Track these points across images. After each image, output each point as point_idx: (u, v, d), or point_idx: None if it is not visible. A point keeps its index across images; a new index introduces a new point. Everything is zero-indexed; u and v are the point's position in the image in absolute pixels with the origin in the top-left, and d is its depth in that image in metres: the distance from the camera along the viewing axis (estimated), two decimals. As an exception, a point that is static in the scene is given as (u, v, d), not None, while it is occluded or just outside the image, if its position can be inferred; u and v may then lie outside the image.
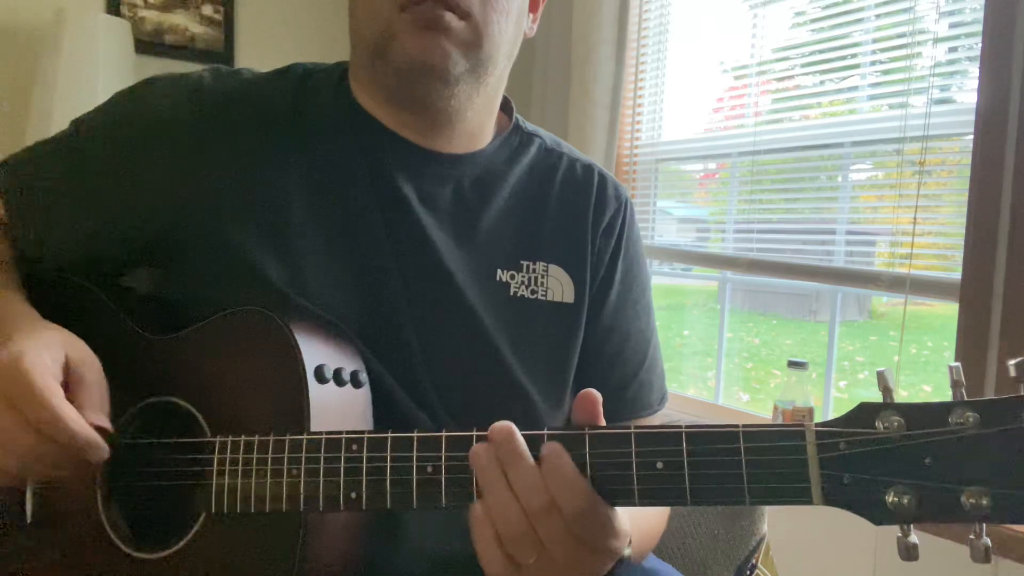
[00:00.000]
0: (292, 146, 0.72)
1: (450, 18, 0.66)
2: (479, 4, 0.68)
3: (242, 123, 0.71)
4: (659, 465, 0.52)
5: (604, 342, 0.79)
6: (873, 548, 1.52)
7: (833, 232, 1.82)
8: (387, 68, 0.69)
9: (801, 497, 0.49)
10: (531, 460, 0.52)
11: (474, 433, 0.55)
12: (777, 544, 1.25)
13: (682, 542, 1.19)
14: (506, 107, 0.83)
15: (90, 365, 0.62)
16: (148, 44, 2.25)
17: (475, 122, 0.77)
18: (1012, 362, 0.47)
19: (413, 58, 0.67)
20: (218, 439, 0.61)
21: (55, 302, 0.71)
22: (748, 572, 1.16)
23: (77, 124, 0.75)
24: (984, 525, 0.47)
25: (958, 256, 1.47)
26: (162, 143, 0.70)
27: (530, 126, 0.84)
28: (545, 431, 0.54)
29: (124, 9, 2.24)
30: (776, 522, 1.31)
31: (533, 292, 0.75)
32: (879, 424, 0.48)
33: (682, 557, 1.16)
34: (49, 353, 0.59)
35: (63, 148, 0.74)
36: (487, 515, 0.52)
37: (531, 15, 0.78)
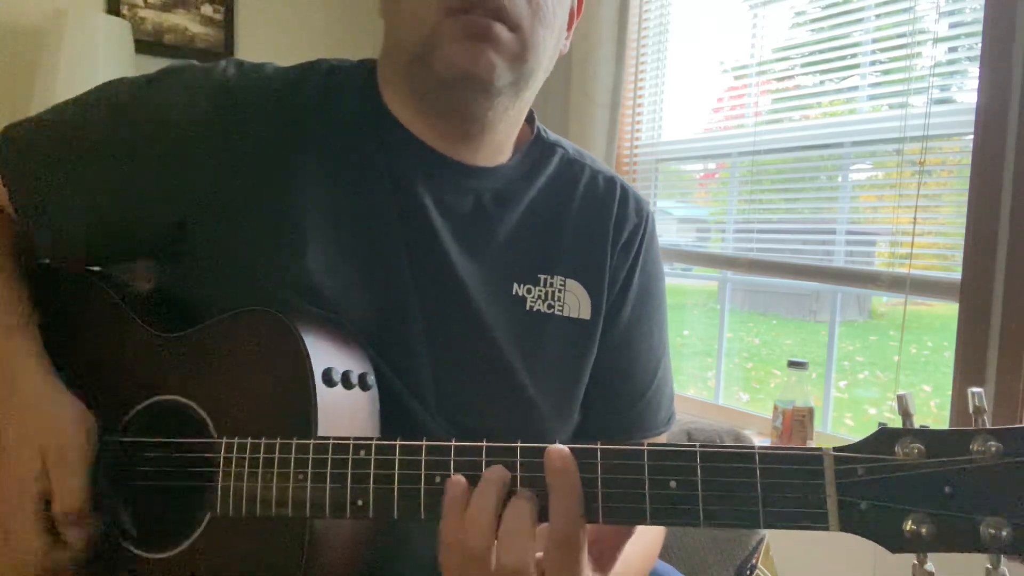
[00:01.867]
0: (313, 145, 0.70)
1: (499, 29, 0.64)
2: (528, 16, 0.66)
3: (264, 121, 0.69)
4: (672, 484, 0.51)
5: (614, 359, 0.77)
6: (873, 548, 1.52)
7: (833, 232, 1.82)
8: (428, 75, 0.67)
9: (817, 523, 0.48)
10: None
11: (484, 444, 0.54)
12: (777, 544, 1.25)
13: (682, 542, 1.20)
14: (528, 117, 0.81)
15: (64, 465, 0.61)
16: (148, 44, 2.25)
17: (503, 135, 0.75)
18: None
19: (459, 68, 0.64)
20: (224, 440, 0.61)
21: (62, 298, 0.71)
22: (748, 572, 1.16)
23: (87, 106, 0.72)
24: (1002, 557, 0.46)
25: (958, 256, 1.47)
26: (182, 138, 0.68)
27: (552, 135, 0.82)
28: (555, 445, 0.53)
29: (124, 9, 2.24)
30: (776, 522, 1.31)
31: (550, 307, 0.74)
32: (899, 450, 0.48)
33: (682, 557, 1.16)
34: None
35: (75, 132, 0.71)
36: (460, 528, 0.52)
37: (566, 32, 0.77)
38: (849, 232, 1.80)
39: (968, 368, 1.40)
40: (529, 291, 0.74)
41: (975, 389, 0.48)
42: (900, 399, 0.49)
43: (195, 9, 2.35)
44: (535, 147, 0.79)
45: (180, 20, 2.33)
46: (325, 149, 0.71)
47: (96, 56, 1.92)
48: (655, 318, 0.81)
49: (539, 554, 0.53)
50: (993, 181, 1.39)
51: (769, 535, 1.21)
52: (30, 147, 0.72)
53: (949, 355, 1.47)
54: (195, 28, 2.35)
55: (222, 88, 0.70)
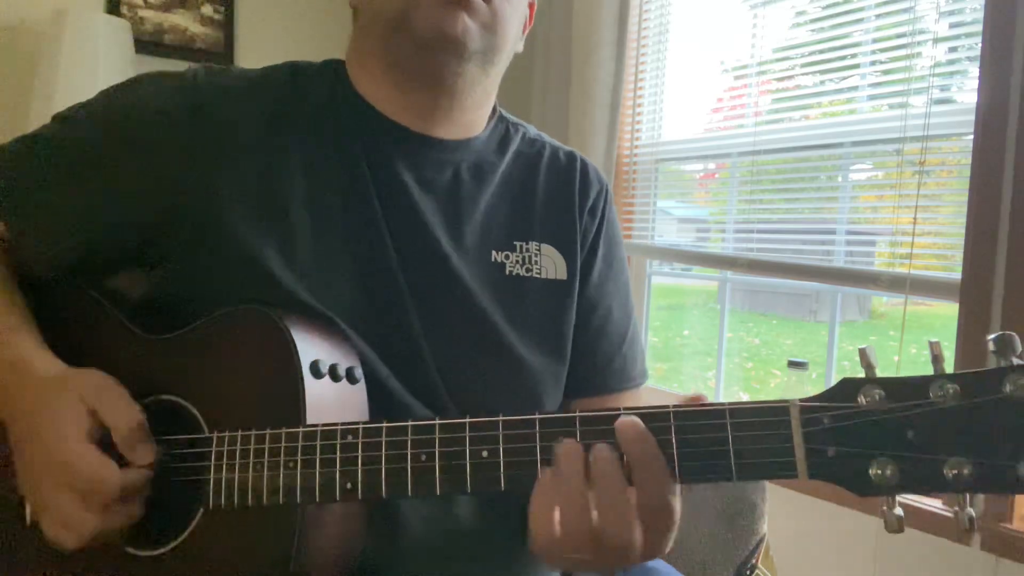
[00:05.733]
0: (289, 139, 0.73)
1: None
2: None
3: (238, 118, 0.72)
4: None
5: (590, 315, 0.82)
6: (873, 548, 1.52)
7: (833, 232, 1.82)
8: (404, 39, 0.70)
9: (787, 471, 0.50)
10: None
11: (467, 420, 0.56)
12: (777, 544, 1.25)
13: (682, 542, 1.19)
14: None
15: (109, 397, 0.62)
16: (148, 44, 2.25)
17: (472, 112, 0.79)
18: (990, 337, 0.48)
19: (435, 28, 0.68)
20: (215, 434, 0.61)
21: (51, 306, 0.71)
22: (748, 572, 1.16)
23: (64, 120, 0.74)
24: (968, 496, 0.48)
25: (958, 256, 1.47)
26: (158, 140, 0.70)
27: (512, 118, 0.87)
28: (536, 416, 0.54)
29: (124, 9, 2.24)
30: (776, 522, 1.31)
31: (528, 270, 0.78)
32: (862, 398, 0.49)
33: (682, 557, 1.16)
34: (72, 419, 0.60)
35: (53, 145, 0.73)
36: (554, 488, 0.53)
37: (522, 33, 0.83)
38: (849, 232, 1.80)
39: (968, 368, 1.40)
40: (507, 257, 0.78)
41: (932, 340, 0.49)
42: (862, 352, 0.50)
43: (195, 9, 2.34)
44: (500, 124, 0.85)
45: (180, 20, 2.33)
46: (301, 139, 0.73)
47: (96, 56, 1.92)
48: (621, 279, 0.87)
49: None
50: (993, 181, 1.39)
51: (769, 534, 1.21)
52: (14, 165, 0.74)
53: (949, 355, 1.47)
54: (195, 28, 2.35)
55: (191, 87, 0.73)
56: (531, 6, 0.82)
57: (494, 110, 0.85)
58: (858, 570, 1.55)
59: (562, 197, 0.83)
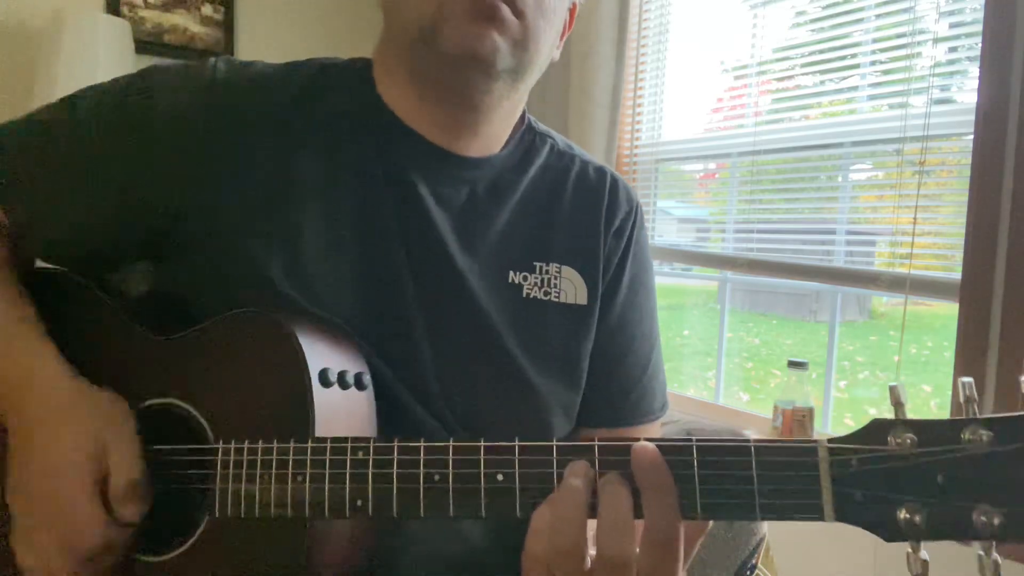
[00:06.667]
0: (306, 142, 0.71)
1: (506, 12, 0.65)
2: (532, 6, 0.67)
3: (256, 117, 0.70)
4: None
5: (609, 344, 0.78)
6: (874, 548, 1.52)
7: (833, 232, 1.82)
8: (431, 53, 0.67)
9: (813, 514, 0.48)
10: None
11: (481, 444, 0.54)
12: (777, 544, 1.25)
13: (682, 542, 1.19)
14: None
15: (120, 440, 0.61)
16: (148, 44, 2.25)
17: (497, 127, 0.76)
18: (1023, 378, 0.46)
19: (463, 46, 0.65)
20: (221, 444, 0.60)
21: (56, 302, 0.71)
22: (748, 572, 1.16)
23: (74, 107, 0.71)
24: (994, 543, 0.47)
25: (958, 256, 1.47)
26: (174, 134, 0.68)
27: (542, 126, 0.83)
28: (554, 443, 0.53)
29: (124, 9, 2.24)
30: (776, 522, 1.31)
31: (547, 294, 0.75)
32: (892, 441, 0.48)
33: (682, 557, 1.16)
34: (78, 457, 0.59)
35: (61, 134, 0.71)
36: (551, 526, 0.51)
37: (559, 40, 0.78)
38: (849, 232, 1.80)
39: (968, 368, 1.40)
40: (525, 278, 0.74)
41: (965, 379, 0.48)
42: (892, 390, 0.49)
43: (195, 9, 2.35)
44: (526, 137, 0.80)
45: (180, 20, 2.33)
46: (319, 142, 0.71)
47: (96, 56, 1.92)
48: (647, 306, 0.82)
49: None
50: (993, 181, 1.39)
51: (769, 534, 1.21)
52: (20, 150, 0.72)
53: (949, 355, 1.47)
54: (195, 28, 2.35)
55: (211, 82, 0.70)
56: (572, 9, 0.77)
57: (523, 118, 0.81)
58: (858, 570, 1.55)
59: (587, 217, 0.78)
